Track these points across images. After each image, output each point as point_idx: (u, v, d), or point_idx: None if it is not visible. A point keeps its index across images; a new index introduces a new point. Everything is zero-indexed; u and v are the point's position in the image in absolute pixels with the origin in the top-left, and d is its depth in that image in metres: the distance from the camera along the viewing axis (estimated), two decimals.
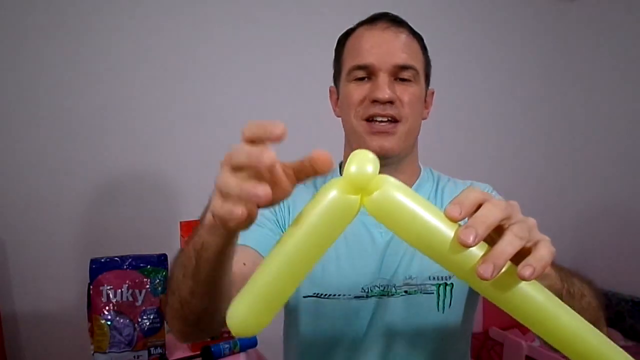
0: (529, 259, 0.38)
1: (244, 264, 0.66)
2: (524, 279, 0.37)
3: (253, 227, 0.81)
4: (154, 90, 1.54)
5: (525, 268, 0.37)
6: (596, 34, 2.18)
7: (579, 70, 2.24)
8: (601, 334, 0.41)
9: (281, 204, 0.82)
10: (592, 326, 0.41)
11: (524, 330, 1.89)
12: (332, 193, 0.38)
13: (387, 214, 0.38)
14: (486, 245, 0.39)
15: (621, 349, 0.42)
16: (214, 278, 0.53)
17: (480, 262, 0.36)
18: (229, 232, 0.45)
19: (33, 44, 1.38)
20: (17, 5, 1.36)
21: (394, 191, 0.38)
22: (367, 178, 0.37)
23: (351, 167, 0.37)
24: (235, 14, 1.63)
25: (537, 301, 0.39)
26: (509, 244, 0.37)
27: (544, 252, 0.39)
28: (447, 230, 0.38)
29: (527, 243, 0.39)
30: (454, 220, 0.38)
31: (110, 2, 1.46)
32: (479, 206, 0.39)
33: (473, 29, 2.06)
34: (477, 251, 0.38)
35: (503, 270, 0.37)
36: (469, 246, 0.36)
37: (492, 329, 1.92)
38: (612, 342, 0.42)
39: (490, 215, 0.38)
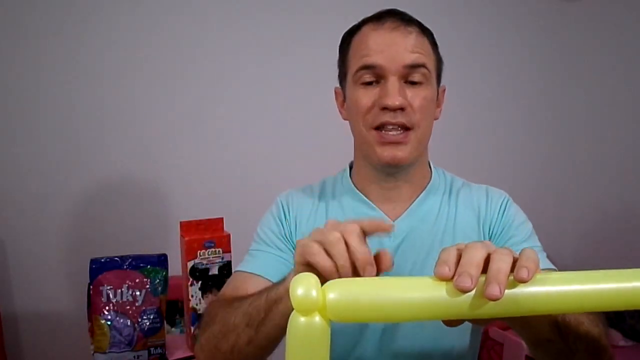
0: (521, 262, 0.39)
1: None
2: (522, 280, 0.38)
3: (262, 248, 0.78)
4: (154, 91, 1.54)
5: (521, 270, 0.38)
6: (596, 34, 2.18)
7: (579, 70, 2.23)
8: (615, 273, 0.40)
9: (287, 216, 0.81)
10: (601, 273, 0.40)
11: None
12: (294, 321, 0.37)
13: (353, 312, 0.38)
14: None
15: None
16: (277, 334, 0.57)
17: (485, 288, 0.37)
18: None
19: (33, 44, 1.38)
20: (17, 5, 1.36)
21: (342, 292, 0.38)
22: (314, 300, 0.37)
23: (297, 290, 0.37)
24: (235, 14, 1.63)
25: (551, 291, 0.39)
26: (499, 261, 0.39)
27: (531, 252, 0.41)
28: (429, 292, 0.39)
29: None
30: (445, 278, 0.39)
31: (110, 2, 1.46)
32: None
33: (472, 29, 2.06)
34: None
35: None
36: (468, 290, 0.38)
37: (492, 329, 1.92)
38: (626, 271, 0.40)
39: (474, 255, 0.40)
